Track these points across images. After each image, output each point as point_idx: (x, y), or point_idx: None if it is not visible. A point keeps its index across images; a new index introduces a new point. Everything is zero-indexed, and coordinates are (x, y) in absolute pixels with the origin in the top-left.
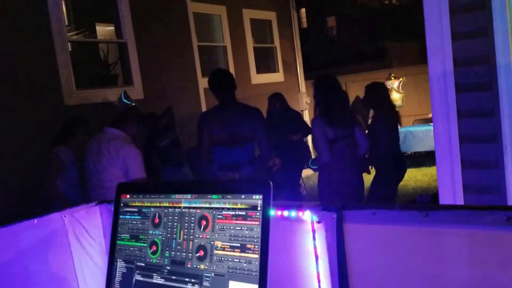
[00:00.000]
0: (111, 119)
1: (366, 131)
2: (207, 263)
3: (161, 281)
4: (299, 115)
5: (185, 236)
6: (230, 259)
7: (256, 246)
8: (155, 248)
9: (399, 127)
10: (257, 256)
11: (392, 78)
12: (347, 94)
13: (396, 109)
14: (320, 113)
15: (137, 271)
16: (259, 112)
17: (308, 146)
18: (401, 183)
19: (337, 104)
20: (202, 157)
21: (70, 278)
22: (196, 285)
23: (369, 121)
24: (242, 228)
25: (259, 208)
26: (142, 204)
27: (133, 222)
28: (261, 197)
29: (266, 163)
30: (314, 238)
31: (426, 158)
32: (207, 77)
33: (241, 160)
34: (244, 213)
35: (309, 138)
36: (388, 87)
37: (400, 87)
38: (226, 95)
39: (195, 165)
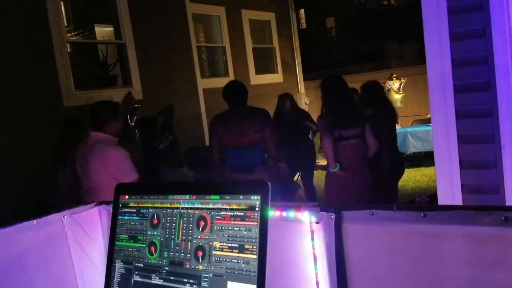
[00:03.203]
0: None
1: None
2: (206, 264)
3: (160, 282)
4: (307, 114)
5: (184, 237)
6: (228, 260)
7: (254, 247)
8: (153, 248)
9: (397, 126)
10: (255, 256)
11: (394, 78)
12: (353, 94)
13: (394, 108)
14: (325, 113)
15: (136, 272)
16: (266, 113)
17: (312, 146)
18: (400, 183)
19: (342, 104)
20: (214, 159)
21: (69, 279)
22: (194, 285)
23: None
24: (241, 229)
25: (257, 209)
26: (141, 205)
27: (132, 223)
28: (259, 197)
29: (274, 165)
30: (312, 239)
31: (425, 159)
32: (206, 78)
33: (253, 161)
34: (242, 213)
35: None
36: (389, 87)
37: (400, 88)
38: (237, 99)
39: (194, 166)
